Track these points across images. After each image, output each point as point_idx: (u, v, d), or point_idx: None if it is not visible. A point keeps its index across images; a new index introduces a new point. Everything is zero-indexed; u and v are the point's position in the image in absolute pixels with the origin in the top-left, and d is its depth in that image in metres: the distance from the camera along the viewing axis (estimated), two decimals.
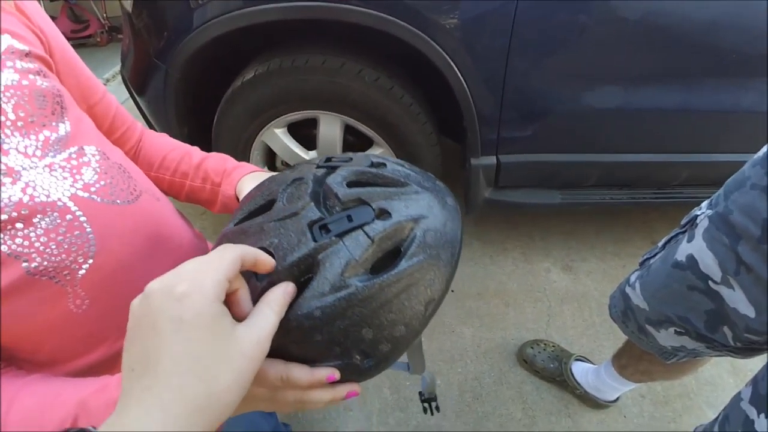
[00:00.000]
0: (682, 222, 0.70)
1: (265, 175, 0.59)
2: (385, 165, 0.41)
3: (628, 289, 0.80)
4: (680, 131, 1.23)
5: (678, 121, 1.20)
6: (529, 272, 1.62)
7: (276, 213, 0.36)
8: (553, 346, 1.36)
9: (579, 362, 1.28)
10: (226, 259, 0.29)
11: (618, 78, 1.13)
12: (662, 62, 1.11)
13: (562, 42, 1.06)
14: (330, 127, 1.23)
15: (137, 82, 1.35)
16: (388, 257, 0.34)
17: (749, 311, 0.59)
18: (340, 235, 0.33)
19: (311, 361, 0.34)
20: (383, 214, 0.35)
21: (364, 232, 0.34)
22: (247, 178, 0.58)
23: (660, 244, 0.76)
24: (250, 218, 0.39)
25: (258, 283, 0.34)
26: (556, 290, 1.56)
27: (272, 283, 0.33)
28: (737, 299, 0.60)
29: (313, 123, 1.26)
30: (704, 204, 0.67)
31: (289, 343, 0.33)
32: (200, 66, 1.29)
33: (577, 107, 1.16)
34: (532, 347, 1.36)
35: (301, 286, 0.33)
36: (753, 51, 1.07)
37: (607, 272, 1.61)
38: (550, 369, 1.31)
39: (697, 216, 0.67)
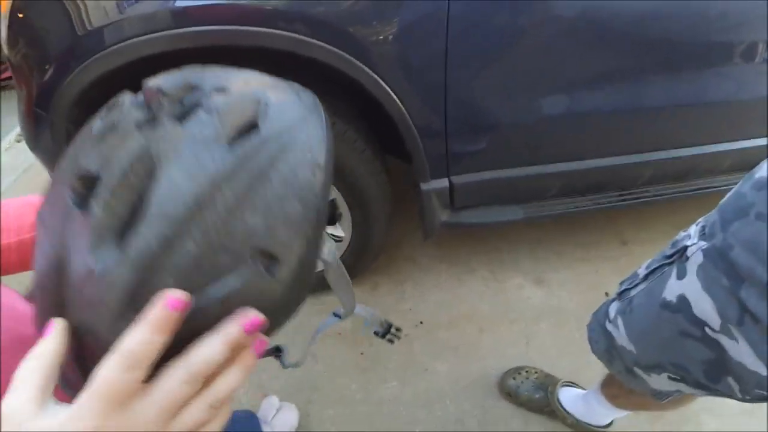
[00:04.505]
0: (668, 252, 0.59)
1: None
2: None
3: (609, 326, 0.68)
4: (638, 130, 1.15)
5: (634, 121, 1.12)
6: (500, 291, 1.51)
7: (89, 137, 0.28)
8: (536, 373, 1.24)
9: (566, 388, 1.17)
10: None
11: (566, 81, 1.03)
12: (609, 60, 1.02)
13: (501, 46, 0.95)
14: None
15: (27, 136, 1.14)
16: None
17: (759, 368, 0.48)
18: (177, 120, 0.27)
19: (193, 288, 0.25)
20: (221, 91, 0.29)
21: (205, 109, 0.27)
22: None
23: (641, 272, 0.64)
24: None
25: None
26: (530, 307, 1.45)
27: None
28: (742, 353, 0.49)
29: None
30: (693, 230, 0.56)
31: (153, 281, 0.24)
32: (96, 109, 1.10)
33: (526, 116, 1.05)
34: (513, 377, 1.24)
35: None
36: (703, 41, 0.99)
37: (580, 281, 1.52)
38: (536, 400, 1.19)
39: (687, 247, 0.55)
